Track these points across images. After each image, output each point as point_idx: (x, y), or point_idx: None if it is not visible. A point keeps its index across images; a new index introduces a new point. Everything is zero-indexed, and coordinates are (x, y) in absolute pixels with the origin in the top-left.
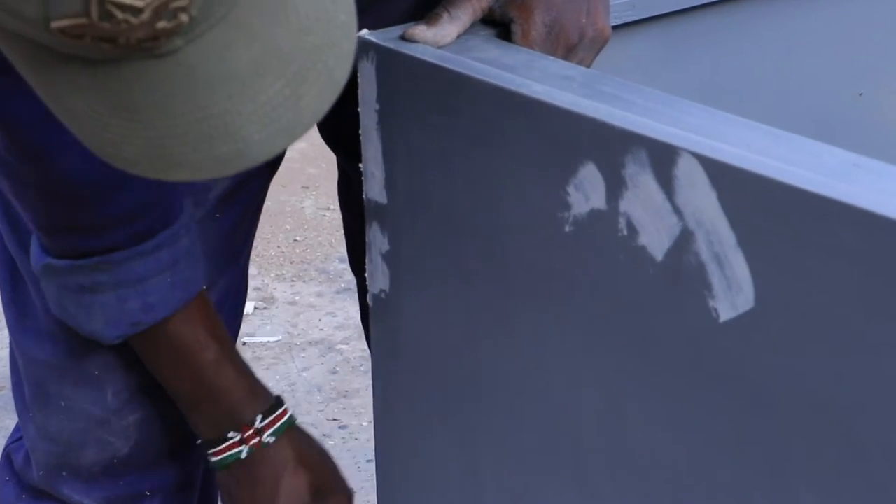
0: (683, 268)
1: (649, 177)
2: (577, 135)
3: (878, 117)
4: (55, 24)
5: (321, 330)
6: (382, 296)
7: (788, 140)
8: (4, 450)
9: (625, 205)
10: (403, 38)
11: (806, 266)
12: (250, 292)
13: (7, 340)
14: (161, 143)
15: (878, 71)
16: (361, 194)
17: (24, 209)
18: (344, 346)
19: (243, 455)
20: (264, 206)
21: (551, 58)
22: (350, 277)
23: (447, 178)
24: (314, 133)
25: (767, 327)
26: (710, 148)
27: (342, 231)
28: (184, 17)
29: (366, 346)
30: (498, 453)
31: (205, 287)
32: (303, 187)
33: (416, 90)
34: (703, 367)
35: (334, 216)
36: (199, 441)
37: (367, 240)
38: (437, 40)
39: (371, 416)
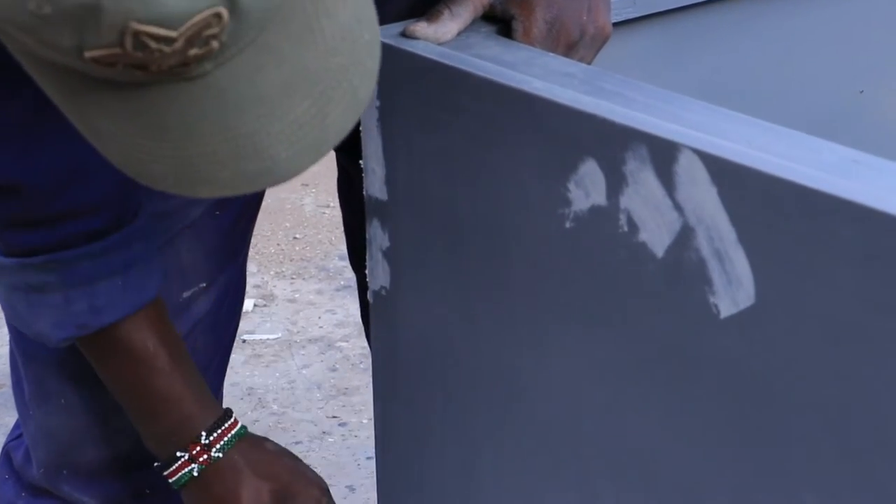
0: (684, 264)
1: (650, 173)
2: (578, 131)
3: (878, 115)
4: (89, 54)
5: (321, 327)
6: (383, 292)
7: (788, 136)
8: (4, 448)
9: (625, 201)
10: (404, 34)
11: (806, 262)
12: (250, 290)
13: (7, 338)
14: (189, 162)
15: (879, 69)
16: (361, 191)
17: None
18: (344, 344)
19: (195, 473)
20: (263, 204)
21: (552, 55)
22: (350, 275)
23: (448, 175)
24: None
25: (768, 323)
26: (711, 144)
27: (342, 228)
28: (215, 44)
29: (366, 344)
30: (498, 450)
31: (158, 295)
32: (302, 185)
33: (416, 87)
34: (704, 363)
35: (334, 214)
36: (155, 464)
37: (367, 236)
38: (437, 37)
39: (371, 414)
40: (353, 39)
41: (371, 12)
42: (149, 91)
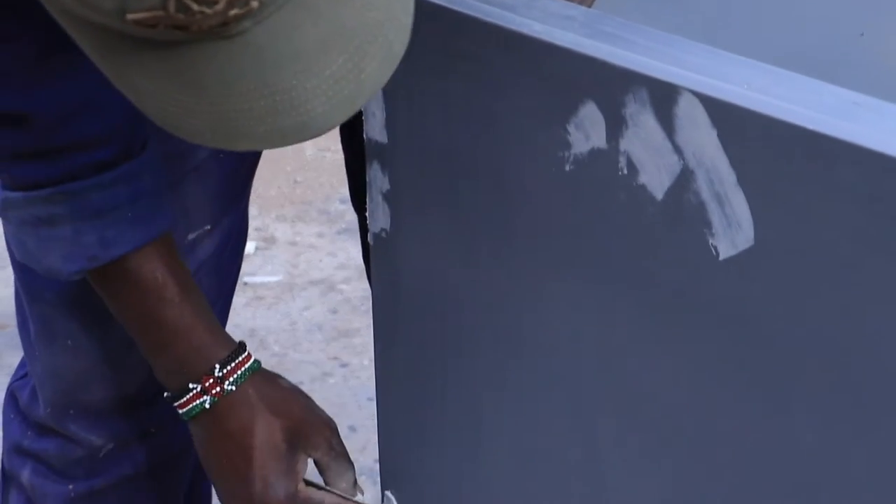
0: (683, 206)
1: (650, 116)
2: (578, 74)
3: (879, 57)
4: (131, 17)
5: (322, 270)
6: (383, 235)
7: (789, 79)
8: (9, 388)
9: (625, 144)
10: None
11: (806, 204)
12: (251, 232)
13: (11, 279)
14: (226, 117)
15: (880, 11)
16: (362, 134)
17: None
18: (345, 286)
19: (207, 405)
20: None
21: None
22: (350, 218)
23: (447, 118)
24: None
25: (767, 265)
26: (711, 87)
27: (343, 172)
28: (255, 3)
29: (366, 286)
30: (498, 392)
31: (168, 230)
32: None
33: (416, 30)
34: (703, 305)
35: (335, 157)
36: (165, 394)
37: (367, 179)
38: None
39: (372, 355)
40: None
41: None
42: (188, 50)
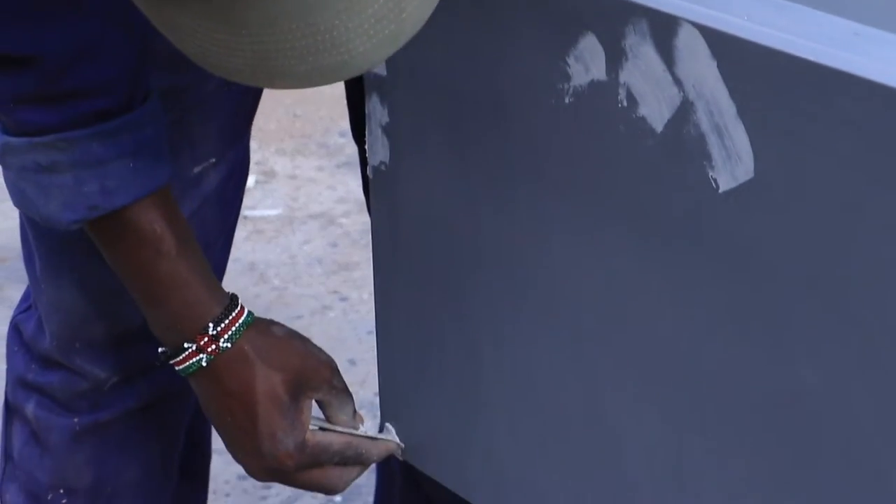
0: (683, 139)
1: (650, 47)
2: (578, 6)
3: None
4: None
5: (321, 204)
6: (382, 168)
7: (789, 10)
8: (12, 320)
9: (625, 76)
10: None
11: (806, 136)
12: (251, 166)
13: (10, 212)
14: (267, 56)
15: None
16: None
17: None
18: (344, 220)
19: (203, 363)
20: None
21: None
22: (350, 151)
23: (447, 50)
24: None
25: (767, 197)
26: (711, 18)
27: (342, 105)
28: None
29: (366, 220)
30: (497, 324)
31: (169, 183)
32: None
33: None
34: (703, 238)
35: (334, 91)
36: (160, 350)
37: (366, 112)
38: None
39: (371, 289)
40: None
41: None
42: None
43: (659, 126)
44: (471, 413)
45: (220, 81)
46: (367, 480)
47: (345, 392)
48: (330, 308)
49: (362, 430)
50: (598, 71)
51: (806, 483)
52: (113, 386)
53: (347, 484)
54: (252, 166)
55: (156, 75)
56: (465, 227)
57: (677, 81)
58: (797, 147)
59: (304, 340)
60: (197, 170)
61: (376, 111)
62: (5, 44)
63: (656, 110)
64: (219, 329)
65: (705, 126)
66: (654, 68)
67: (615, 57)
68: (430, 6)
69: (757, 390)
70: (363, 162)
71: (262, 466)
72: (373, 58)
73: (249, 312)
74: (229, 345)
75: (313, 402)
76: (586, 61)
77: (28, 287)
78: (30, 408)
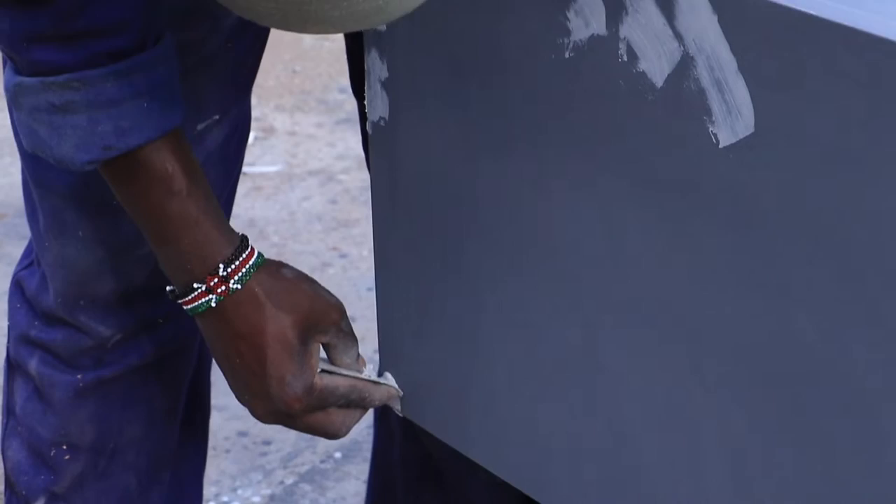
0: (683, 94)
1: (650, 1)
2: None
3: None
4: None
5: (321, 160)
6: (381, 123)
7: None
8: (14, 277)
9: (625, 30)
10: None
11: (807, 91)
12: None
13: (8, 168)
14: (301, 1)
15: None
16: None
17: None
18: (344, 177)
19: (213, 304)
20: None
21: None
22: (349, 108)
23: (446, 4)
24: None
25: (767, 152)
26: None
27: (342, 61)
28: None
29: (366, 177)
30: (496, 277)
31: (181, 124)
32: None
33: None
34: (703, 193)
35: (333, 47)
36: (168, 288)
37: (366, 67)
38: None
39: (371, 246)
40: None
41: None
42: None
43: (659, 81)
44: (470, 366)
45: (222, 38)
46: (367, 437)
47: (350, 335)
48: (329, 265)
49: (365, 373)
50: (598, 25)
51: (802, 428)
52: (116, 343)
53: (349, 428)
54: (251, 123)
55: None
56: (464, 181)
57: (678, 36)
58: (797, 102)
59: (314, 283)
60: (200, 127)
61: (376, 66)
62: None
63: (656, 65)
64: (229, 270)
65: (706, 81)
66: (655, 23)
67: (615, 11)
68: None
69: (754, 338)
70: (363, 117)
71: (269, 409)
72: (408, 4)
73: (260, 254)
74: (239, 286)
75: (320, 345)
76: (586, 15)
77: (30, 244)
78: (33, 364)
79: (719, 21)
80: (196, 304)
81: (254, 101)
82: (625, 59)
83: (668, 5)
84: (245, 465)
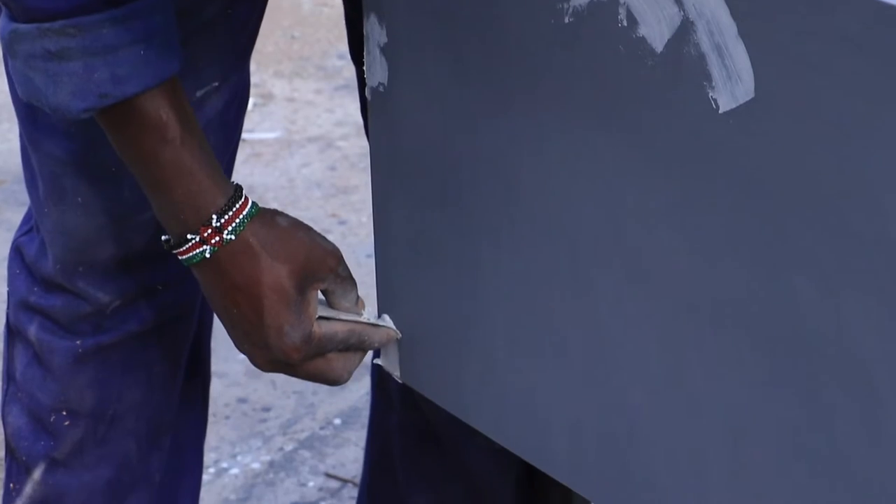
0: (683, 59)
1: None
2: None
3: None
4: None
5: (320, 127)
6: (380, 89)
7: None
8: (13, 243)
9: None
10: None
11: (807, 56)
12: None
13: (6, 135)
14: None
15: None
16: None
17: None
18: (343, 143)
19: (207, 254)
20: None
21: None
22: (348, 74)
23: None
24: None
25: (767, 118)
26: None
27: (340, 27)
28: None
29: (365, 143)
30: (495, 243)
31: (177, 73)
32: None
33: None
34: (703, 158)
35: (332, 12)
36: (163, 237)
37: (364, 32)
38: None
39: (370, 213)
40: None
41: None
42: None
43: (659, 46)
44: (468, 332)
45: (224, 4)
46: (366, 404)
47: (349, 280)
48: (328, 231)
49: (364, 316)
50: None
51: (802, 394)
52: (115, 309)
53: (350, 373)
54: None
55: None
56: (463, 147)
57: (677, 1)
58: (797, 66)
59: (309, 230)
60: (200, 94)
61: (375, 31)
62: None
63: (656, 30)
64: (222, 221)
65: (706, 46)
66: None
67: None
68: None
69: (754, 304)
70: (361, 83)
71: (268, 359)
72: None
73: (254, 203)
74: (233, 237)
75: (318, 292)
76: None
77: (29, 210)
78: (32, 330)
79: None
80: (190, 254)
81: (252, 67)
82: (624, 24)
83: None
84: (244, 431)
